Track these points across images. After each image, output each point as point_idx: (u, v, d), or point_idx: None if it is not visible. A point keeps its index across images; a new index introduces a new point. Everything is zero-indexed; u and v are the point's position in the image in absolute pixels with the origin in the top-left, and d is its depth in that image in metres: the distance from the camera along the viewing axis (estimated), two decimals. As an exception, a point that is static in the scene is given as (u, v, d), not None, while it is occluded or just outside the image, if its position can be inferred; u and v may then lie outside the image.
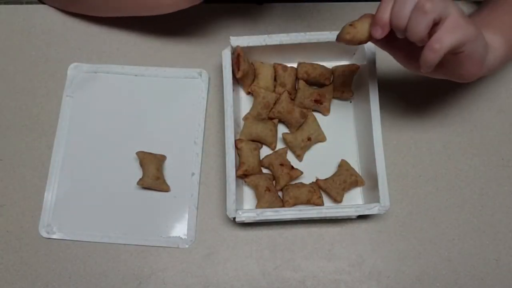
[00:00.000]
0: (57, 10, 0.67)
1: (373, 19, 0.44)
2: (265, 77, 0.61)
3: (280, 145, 0.62)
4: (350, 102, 0.64)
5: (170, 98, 0.63)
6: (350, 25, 0.46)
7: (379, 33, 0.44)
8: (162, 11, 0.58)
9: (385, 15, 0.43)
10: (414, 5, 0.42)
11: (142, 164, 0.58)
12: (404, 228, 0.60)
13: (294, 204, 0.58)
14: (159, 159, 0.59)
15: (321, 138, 0.61)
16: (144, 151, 0.59)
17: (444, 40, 0.41)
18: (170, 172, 0.60)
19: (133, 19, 0.64)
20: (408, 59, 0.48)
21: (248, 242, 0.59)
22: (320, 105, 0.61)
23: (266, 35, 0.59)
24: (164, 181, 0.60)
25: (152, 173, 0.58)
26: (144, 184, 0.58)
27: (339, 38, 0.47)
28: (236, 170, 0.56)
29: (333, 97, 0.63)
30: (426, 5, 0.41)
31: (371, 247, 0.59)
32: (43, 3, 0.68)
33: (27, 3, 0.69)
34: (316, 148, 0.62)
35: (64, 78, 0.64)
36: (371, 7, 0.69)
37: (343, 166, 0.59)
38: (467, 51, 0.44)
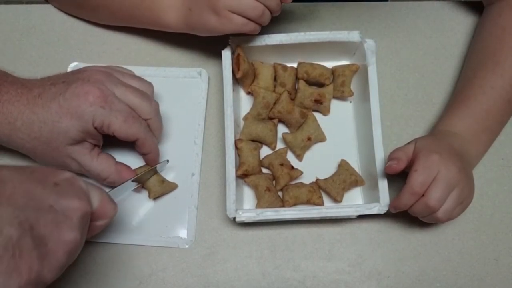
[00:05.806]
0: (57, 10, 0.67)
1: (394, 201, 0.53)
2: (265, 77, 0.61)
3: (280, 145, 0.62)
4: (350, 102, 0.64)
5: (170, 98, 0.63)
6: None
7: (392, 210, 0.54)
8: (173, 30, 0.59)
9: (404, 204, 0.52)
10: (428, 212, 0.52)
11: (143, 184, 0.58)
12: (404, 228, 0.60)
13: (294, 204, 0.58)
14: (154, 169, 0.58)
15: (321, 138, 0.61)
16: (139, 170, 0.58)
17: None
18: (170, 172, 0.60)
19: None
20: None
21: (248, 242, 0.59)
22: (320, 105, 0.61)
23: (266, 35, 0.59)
24: (168, 181, 0.59)
25: (156, 181, 0.58)
26: (156, 195, 0.58)
27: None
28: (236, 170, 0.56)
29: (333, 97, 0.63)
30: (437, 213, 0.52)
31: (371, 247, 0.59)
32: (47, 3, 0.67)
33: (27, 3, 0.69)
34: (316, 148, 0.62)
35: (64, 78, 0.64)
36: (371, 7, 0.69)
37: (343, 166, 0.59)
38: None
